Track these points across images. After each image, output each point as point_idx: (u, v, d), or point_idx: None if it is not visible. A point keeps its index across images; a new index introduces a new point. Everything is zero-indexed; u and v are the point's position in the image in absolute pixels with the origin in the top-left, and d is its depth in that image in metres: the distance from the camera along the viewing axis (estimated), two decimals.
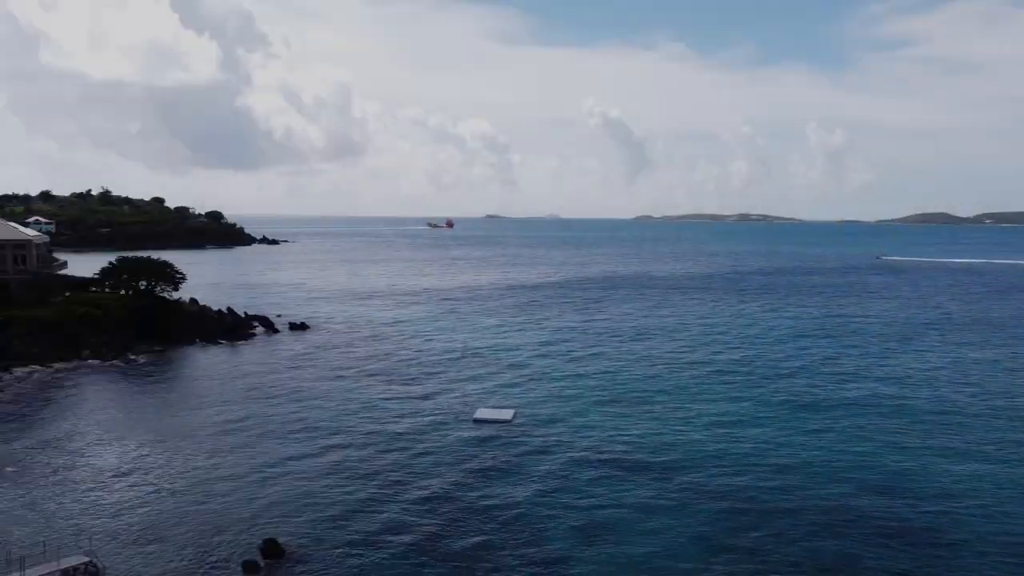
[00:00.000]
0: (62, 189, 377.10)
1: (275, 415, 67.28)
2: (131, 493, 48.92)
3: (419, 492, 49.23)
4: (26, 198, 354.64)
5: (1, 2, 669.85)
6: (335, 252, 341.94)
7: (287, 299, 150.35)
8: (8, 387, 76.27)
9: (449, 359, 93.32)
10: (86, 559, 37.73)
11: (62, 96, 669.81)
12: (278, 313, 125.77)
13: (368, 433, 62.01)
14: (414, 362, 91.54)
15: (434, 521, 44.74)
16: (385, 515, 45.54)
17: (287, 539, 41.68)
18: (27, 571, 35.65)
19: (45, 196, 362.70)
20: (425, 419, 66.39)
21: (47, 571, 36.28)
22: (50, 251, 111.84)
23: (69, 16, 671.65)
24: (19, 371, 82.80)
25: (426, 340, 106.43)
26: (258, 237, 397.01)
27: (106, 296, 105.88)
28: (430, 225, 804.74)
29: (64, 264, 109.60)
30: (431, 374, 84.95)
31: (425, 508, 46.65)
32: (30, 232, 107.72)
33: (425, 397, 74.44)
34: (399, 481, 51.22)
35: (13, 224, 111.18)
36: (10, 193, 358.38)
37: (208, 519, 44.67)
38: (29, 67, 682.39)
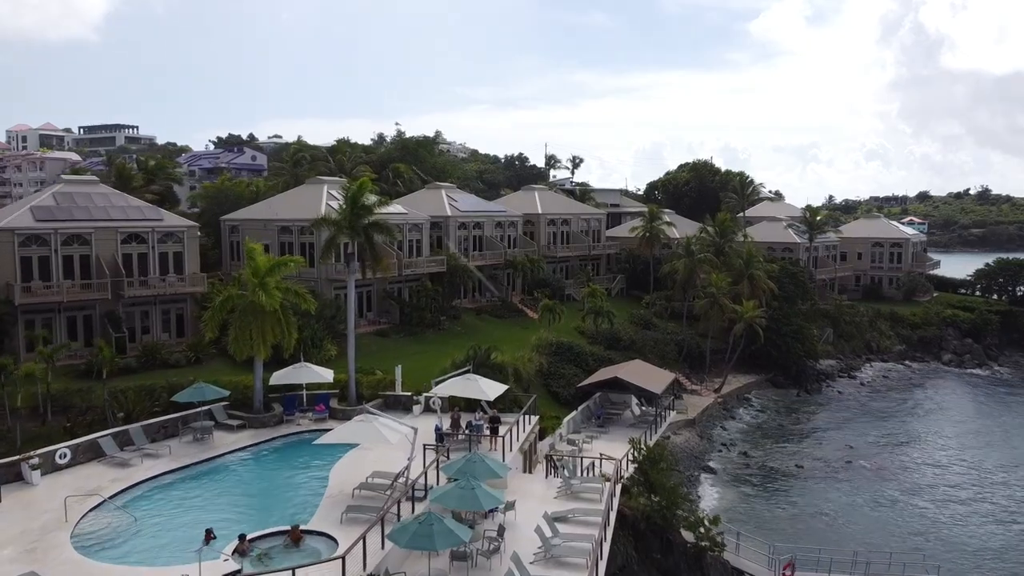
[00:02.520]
0: (939, 190, 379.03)
1: None
2: (973, 514, 43.95)
3: None
4: (903, 199, 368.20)
5: (914, 11, 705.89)
6: None
7: None
8: (868, 380, 78.45)
9: None
10: None
11: (952, 97, 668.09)
12: None
13: None
14: None
15: None
16: None
17: None
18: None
19: (922, 197, 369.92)
20: None
21: None
22: (924, 250, 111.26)
23: (977, 15, 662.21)
24: (878, 364, 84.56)
25: None
26: None
27: (976, 299, 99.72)
28: None
29: (937, 264, 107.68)
30: None
31: None
32: (908, 231, 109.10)
33: None
34: None
35: (895, 223, 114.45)
36: (891, 195, 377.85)
37: None
38: (926, 72, 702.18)
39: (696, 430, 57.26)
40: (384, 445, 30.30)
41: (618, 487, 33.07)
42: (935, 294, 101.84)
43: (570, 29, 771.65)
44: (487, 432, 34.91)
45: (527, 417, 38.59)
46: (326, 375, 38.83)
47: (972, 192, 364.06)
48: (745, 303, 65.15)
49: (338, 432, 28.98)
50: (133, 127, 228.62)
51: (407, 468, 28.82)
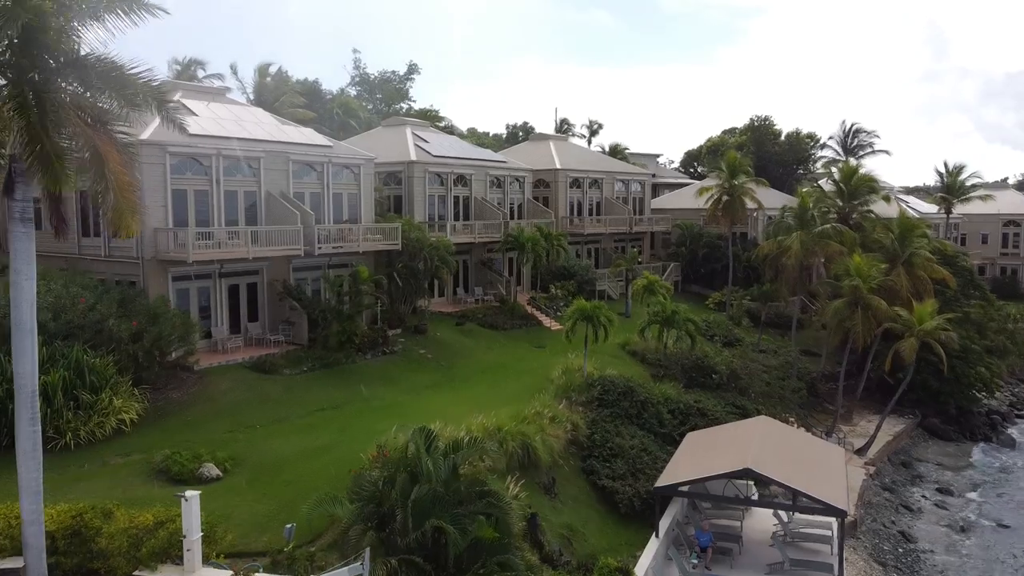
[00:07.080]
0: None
1: None
2: None
3: None
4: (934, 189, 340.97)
5: (927, 7, 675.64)
6: None
7: None
8: None
9: None
10: None
11: (961, 93, 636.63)
12: None
13: None
14: None
15: None
16: None
17: None
18: None
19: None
20: None
21: None
22: None
23: (989, 9, 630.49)
24: None
25: None
26: None
27: None
28: None
29: None
30: None
31: None
32: None
33: None
34: None
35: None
36: (919, 185, 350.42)
37: None
38: (938, 67, 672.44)
39: (864, 541, 30.27)
40: None
41: None
42: None
43: (571, 27, 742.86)
44: None
45: None
46: None
47: (1011, 181, 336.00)
48: (917, 308, 38.05)
49: None
50: None
51: None
